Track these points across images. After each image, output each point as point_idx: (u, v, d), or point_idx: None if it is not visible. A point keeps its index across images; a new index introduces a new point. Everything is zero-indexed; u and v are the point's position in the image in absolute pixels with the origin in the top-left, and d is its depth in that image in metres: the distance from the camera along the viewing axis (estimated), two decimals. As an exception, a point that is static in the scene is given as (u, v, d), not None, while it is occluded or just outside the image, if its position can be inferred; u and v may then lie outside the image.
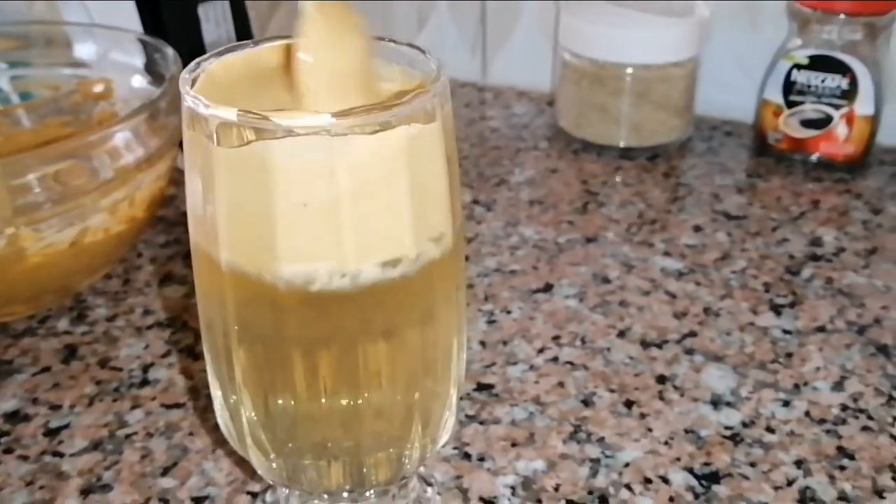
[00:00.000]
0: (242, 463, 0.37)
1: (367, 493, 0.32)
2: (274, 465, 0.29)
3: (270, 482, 0.32)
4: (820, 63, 0.58)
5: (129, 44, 0.53)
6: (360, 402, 0.27)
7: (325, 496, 0.31)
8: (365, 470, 0.29)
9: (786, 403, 0.41)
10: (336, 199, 0.23)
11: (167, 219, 0.56)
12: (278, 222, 0.23)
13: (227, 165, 0.24)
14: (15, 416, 0.40)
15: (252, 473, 0.37)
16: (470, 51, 0.75)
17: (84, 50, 0.57)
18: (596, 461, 0.38)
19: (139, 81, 0.52)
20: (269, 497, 0.35)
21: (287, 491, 0.33)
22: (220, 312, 0.26)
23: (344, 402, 0.27)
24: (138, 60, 0.53)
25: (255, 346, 0.26)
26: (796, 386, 0.42)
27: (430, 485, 0.36)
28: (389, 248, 0.25)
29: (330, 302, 0.25)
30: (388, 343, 0.27)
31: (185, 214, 0.56)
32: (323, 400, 0.27)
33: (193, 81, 0.26)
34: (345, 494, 0.31)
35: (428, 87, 0.25)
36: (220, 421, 0.30)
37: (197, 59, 0.27)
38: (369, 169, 0.23)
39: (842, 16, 0.57)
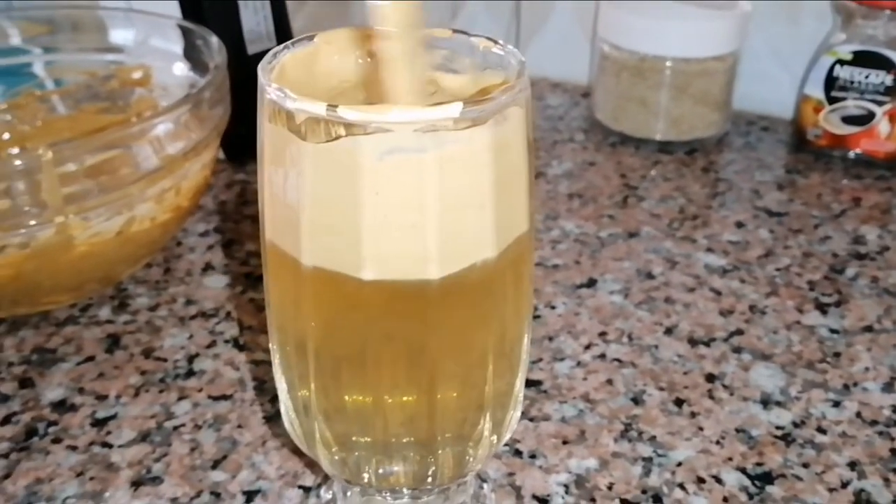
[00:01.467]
0: (293, 457, 0.37)
1: (430, 490, 0.31)
2: (338, 459, 0.29)
3: (332, 477, 0.31)
4: (864, 59, 0.57)
5: (170, 30, 0.53)
6: (437, 397, 0.27)
7: (388, 493, 0.31)
8: (432, 468, 0.29)
9: (836, 404, 0.40)
10: (424, 195, 0.23)
11: (205, 208, 0.55)
12: (364, 219, 0.23)
13: (314, 161, 0.23)
14: (62, 406, 0.40)
15: (305, 467, 0.37)
16: (503, 41, 0.74)
17: (121, 36, 0.56)
18: (648, 460, 0.37)
19: (180, 69, 0.52)
20: (324, 492, 0.35)
21: (345, 486, 0.33)
22: (295, 307, 0.26)
23: (417, 397, 0.27)
24: (177, 47, 0.52)
25: (331, 341, 0.26)
26: (846, 386, 0.41)
27: (485, 482, 0.36)
28: (475, 245, 0.24)
29: (411, 299, 0.25)
30: (464, 338, 0.26)
31: (223, 204, 0.56)
32: (395, 397, 0.27)
33: (270, 73, 0.26)
34: (406, 491, 0.31)
35: (513, 82, 0.24)
36: (284, 416, 0.30)
37: (273, 50, 0.26)
38: (459, 164, 0.23)
39: (887, 11, 0.56)
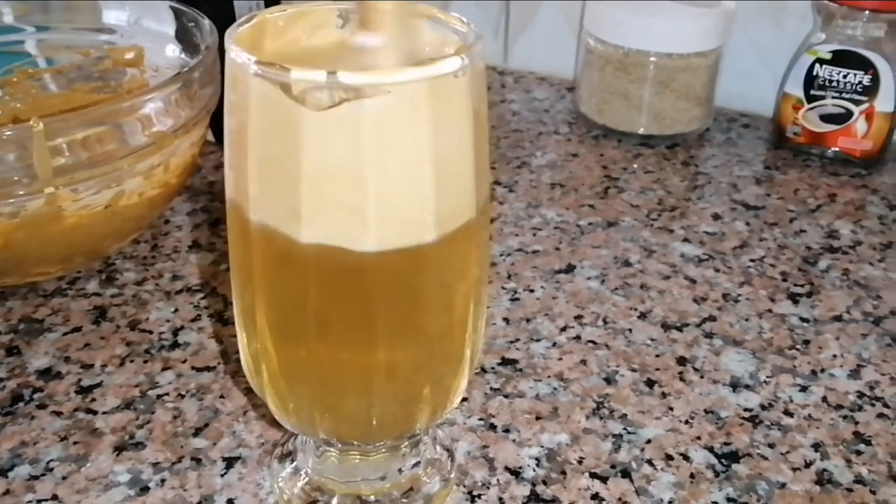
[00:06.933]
0: (274, 426, 0.38)
1: (379, 446, 0.33)
2: (288, 411, 0.30)
3: (289, 428, 0.33)
4: (842, 58, 0.59)
5: (162, 12, 0.53)
6: (375, 359, 0.28)
7: (339, 445, 0.32)
8: (374, 424, 0.30)
9: (803, 389, 0.42)
10: (360, 158, 0.24)
11: (194, 188, 0.56)
12: (303, 182, 0.24)
13: (312, 128, 0.24)
14: (48, 374, 0.41)
15: (285, 436, 0.38)
16: (492, 34, 0.76)
17: (114, 16, 0.57)
18: (618, 437, 0.38)
19: (172, 51, 0.53)
20: (289, 446, 0.36)
21: (304, 440, 0.34)
22: (247, 261, 0.27)
23: (356, 358, 0.28)
24: (170, 29, 0.53)
25: (276, 297, 0.28)
26: (813, 372, 0.43)
27: (446, 449, 0.36)
28: (414, 207, 0.25)
29: (351, 263, 0.26)
30: (405, 304, 0.27)
31: (211, 184, 0.57)
32: (335, 355, 0.28)
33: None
34: (355, 443, 0.32)
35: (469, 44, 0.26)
36: (244, 367, 0.31)
37: (246, 16, 0.27)
38: (389, 127, 0.24)
39: (867, 12, 0.57)
